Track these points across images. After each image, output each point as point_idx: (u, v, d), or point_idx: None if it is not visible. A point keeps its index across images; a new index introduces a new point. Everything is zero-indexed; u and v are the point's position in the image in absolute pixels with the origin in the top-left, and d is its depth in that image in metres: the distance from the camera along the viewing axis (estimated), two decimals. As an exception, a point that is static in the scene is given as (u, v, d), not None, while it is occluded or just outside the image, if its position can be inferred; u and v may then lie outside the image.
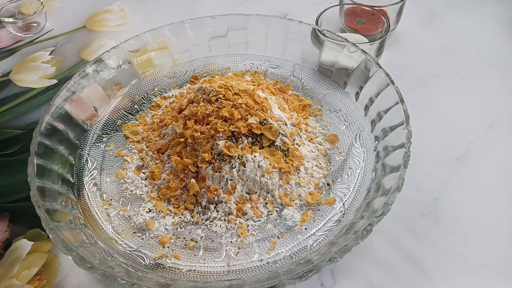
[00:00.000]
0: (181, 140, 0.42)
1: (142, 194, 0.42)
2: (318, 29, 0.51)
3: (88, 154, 0.45)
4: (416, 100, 0.49)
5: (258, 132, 0.41)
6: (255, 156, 0.40)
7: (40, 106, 0.54)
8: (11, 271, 0.38)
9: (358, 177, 0.41)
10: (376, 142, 0.43)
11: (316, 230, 0.38)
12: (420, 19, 0.64)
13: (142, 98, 0.51)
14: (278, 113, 0.45)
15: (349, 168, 0.43)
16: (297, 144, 0.44)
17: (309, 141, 0.45)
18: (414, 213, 0.41)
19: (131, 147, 0.46)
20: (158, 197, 0.41)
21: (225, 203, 0.39)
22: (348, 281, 0.37)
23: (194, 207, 0.40)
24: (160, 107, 0.50)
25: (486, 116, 0.50)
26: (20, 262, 0.39)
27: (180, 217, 0.40)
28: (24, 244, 0.40)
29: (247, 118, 0.42)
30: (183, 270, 0.36)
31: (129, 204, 0.41)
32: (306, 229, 0.38)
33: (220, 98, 0.43)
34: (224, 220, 0.39)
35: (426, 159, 0.44)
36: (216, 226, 0.39)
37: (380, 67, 0.45)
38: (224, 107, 0.42)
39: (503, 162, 0.45)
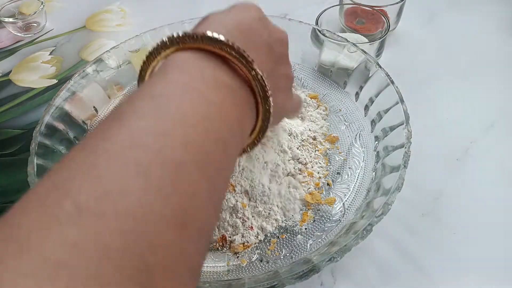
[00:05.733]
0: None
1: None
2: (318, 29, 0.51)
3: (88, 154, 0.45)
4: (416, 100, 0.49)
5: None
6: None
7: (40, 106, 0.54)
8: (11, 271, 0.38)
9: (358, 177, 0.41)
10: (376, 142, 0.43)
11: (316, 230, 0.38)
12: (420, 19, 0.64)
13: (142, 98, 0.51)
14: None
15: (349, 168, 0.42)
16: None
17: (309, 141, 0.45)
18: (414, 213, 0.41)
19: (131, 147, 0.46)
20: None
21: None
22: (348, 281, 0.37)
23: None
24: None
25: (486, 116, 0.50)
26: (20, 262, 0.39)
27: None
28: (24, 244, 0.40)
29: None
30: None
31: (129, 204, 0.41)
32: (306, 229, 0.38)
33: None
34: (224, 220, 0.39)
35: (426, 159, 0.44)
36: (216, 226, 0.39)
37: (380, 67, 0.45)
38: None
39: (503, 162, 0.45)
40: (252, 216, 0.38)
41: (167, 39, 0.24)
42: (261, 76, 0.24)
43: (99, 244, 0.14)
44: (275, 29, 0.30)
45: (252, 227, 0.37)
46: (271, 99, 0.25)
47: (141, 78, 0.26)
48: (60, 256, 0.14)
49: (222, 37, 0.23)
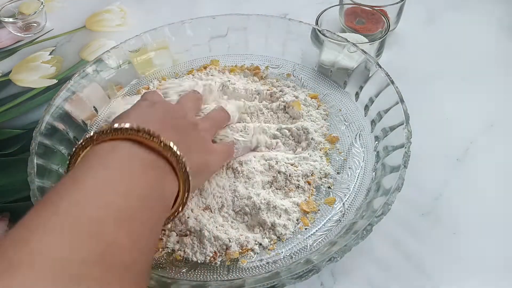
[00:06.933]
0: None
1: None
2: (318, 29, 0.51)
3: (88, 154, 0.45)
4: (416, 100, 0.49)
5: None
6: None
7: (40, 106, 0.54)
8: (11, 271, 0.38)
9: (358, 177, 0.41)
10: (376, 142, 0.43)
11: (316, 230, 0.38)
12: (420, 19, 0.64)
13: (142, 98, 0.51)
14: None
15: (349, 168, 0.42)
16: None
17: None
18: (414, 213, 0.41)
19: (131, 147, 0.46)
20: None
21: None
22: (348, 281, 0.37)
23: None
24: (160, 107, 0.50)
25: (486, 116, 0.50)
26: (20, 262, 0.39)
27: (180, 217, 0.39)
28: (24, 244, 0.40)
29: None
30: (183, 270, 0.36)
31: (129, 204, 0.41)
32: (306, 229, 0.38)
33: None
34: (224, 220, 0.39)
35: (426, 159, 0.44)
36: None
37: (380, 67, 0.45)
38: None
39: (503, 162, 0.45)
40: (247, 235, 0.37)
41: (83, 141, 0.29)
42: (167, 144, 0.29)
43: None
44: (173, 105, 0.37)
45: (247, 250, 0.36)
46: (184, 159, 0.29)
47: (66, 171, 0.30)
48: None
49: (126, 125, 0.28)
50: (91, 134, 0.29)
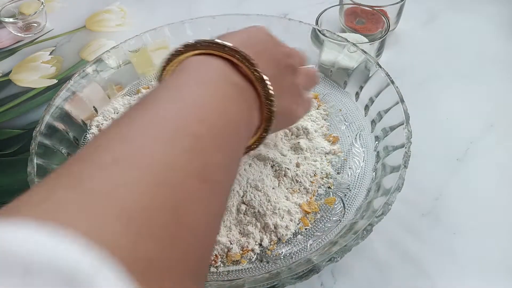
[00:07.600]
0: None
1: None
2: (318, 29, 0.51)
3: (88, 154, 0.45)
4: (416, 100, 0.49)
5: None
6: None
7: (40, 106, 0.54)
8: (11, 271, 0.38)
9: (358, 177, 0.41)
10: (376, 142, 0.43)
11: (316, 230, 0.38)
12: (420, 19, 0.64)
13: (142, 98, 0.51)
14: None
15: (349, 168, 0.42)
16: (297, 144, 0.44)
17: (309, 141, 0.45)
18: (414, 213, 0.41)
19: (131, 147, 0.46)
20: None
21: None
22: (348, 281, 0.37)
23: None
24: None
25: (486, 116, 0.50)
26: (20, 262, 0.39)
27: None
28: (24, 244, 0.40)
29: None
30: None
31: (129, 204, 0.41)
32: (306, 229, 0.38)
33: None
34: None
35: (426, 159, 0.44)
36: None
37: (380, 67, 0.45)
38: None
39: (503, 162, 0.45)
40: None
41: (183, 45, 0.28)
42: (263, 77, 0.27)
43: (136, 181, 0.18)
44: (282, 45, 0.34)
45: (248, 250, 0.36)
46: (273, 98, 0.28)
47: (160, 78, 0.30)
48: (103, 188, 0.17)
49: (229, 44, 0.27)
50: (191, 42, 0.27)
